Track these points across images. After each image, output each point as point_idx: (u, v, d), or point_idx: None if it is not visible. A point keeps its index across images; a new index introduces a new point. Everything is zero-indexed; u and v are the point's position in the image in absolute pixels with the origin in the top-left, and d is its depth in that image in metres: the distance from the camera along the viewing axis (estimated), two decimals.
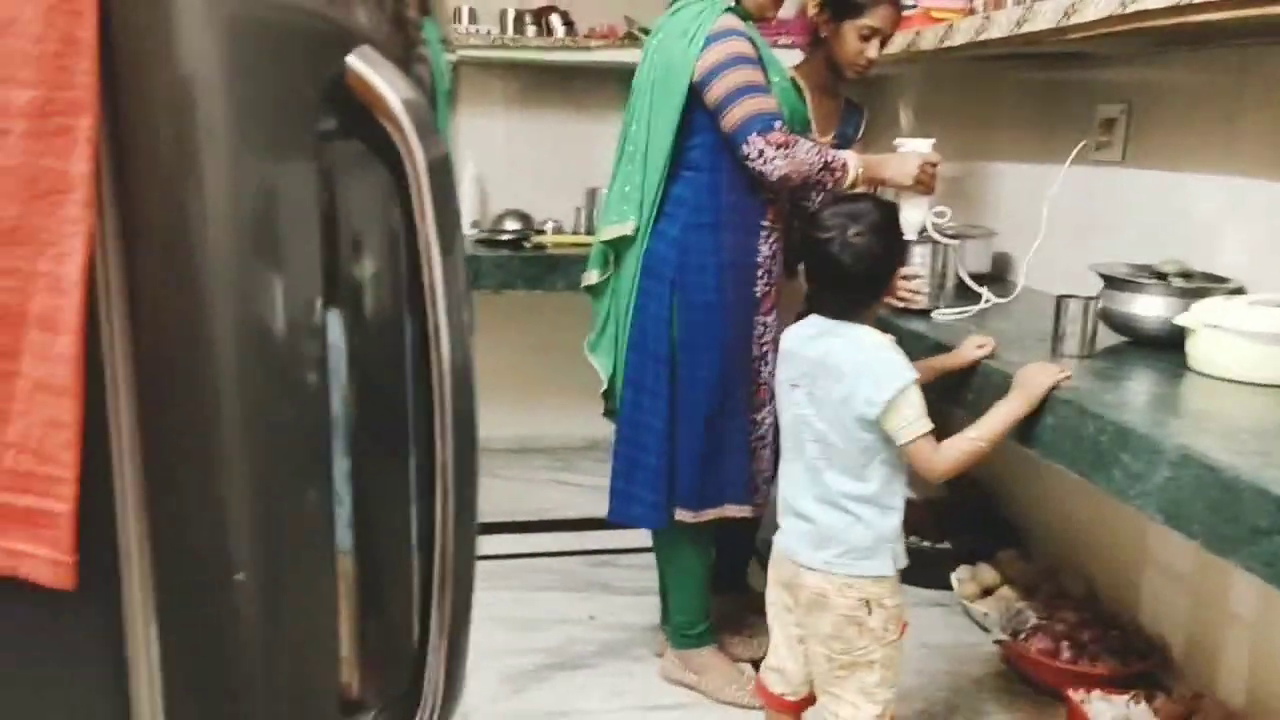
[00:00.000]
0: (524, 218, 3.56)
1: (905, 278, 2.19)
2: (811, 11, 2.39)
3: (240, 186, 0.69)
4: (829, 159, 2.13)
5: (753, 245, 2.20)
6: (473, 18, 3.47)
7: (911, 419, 1.64)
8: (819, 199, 2.28)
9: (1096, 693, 2.13)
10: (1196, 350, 1.71)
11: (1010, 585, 2.62)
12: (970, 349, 1.84)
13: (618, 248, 2.27)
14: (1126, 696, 2.11)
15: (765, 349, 2.25)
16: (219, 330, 0.69)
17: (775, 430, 2.29)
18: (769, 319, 2.25)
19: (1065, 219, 2.36)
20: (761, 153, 2.06)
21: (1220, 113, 2.10)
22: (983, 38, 2.34)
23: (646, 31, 2.79)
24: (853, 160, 2.16)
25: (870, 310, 1.78)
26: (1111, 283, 1.94)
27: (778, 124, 2.08)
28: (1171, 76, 2.26)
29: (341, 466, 0.83)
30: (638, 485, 2.26)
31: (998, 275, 2.71)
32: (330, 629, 0.84)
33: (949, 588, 2.69)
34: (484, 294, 3.29)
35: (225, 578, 0.72)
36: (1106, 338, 1.92)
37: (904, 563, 1.74)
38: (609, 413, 2.40)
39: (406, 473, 0.96)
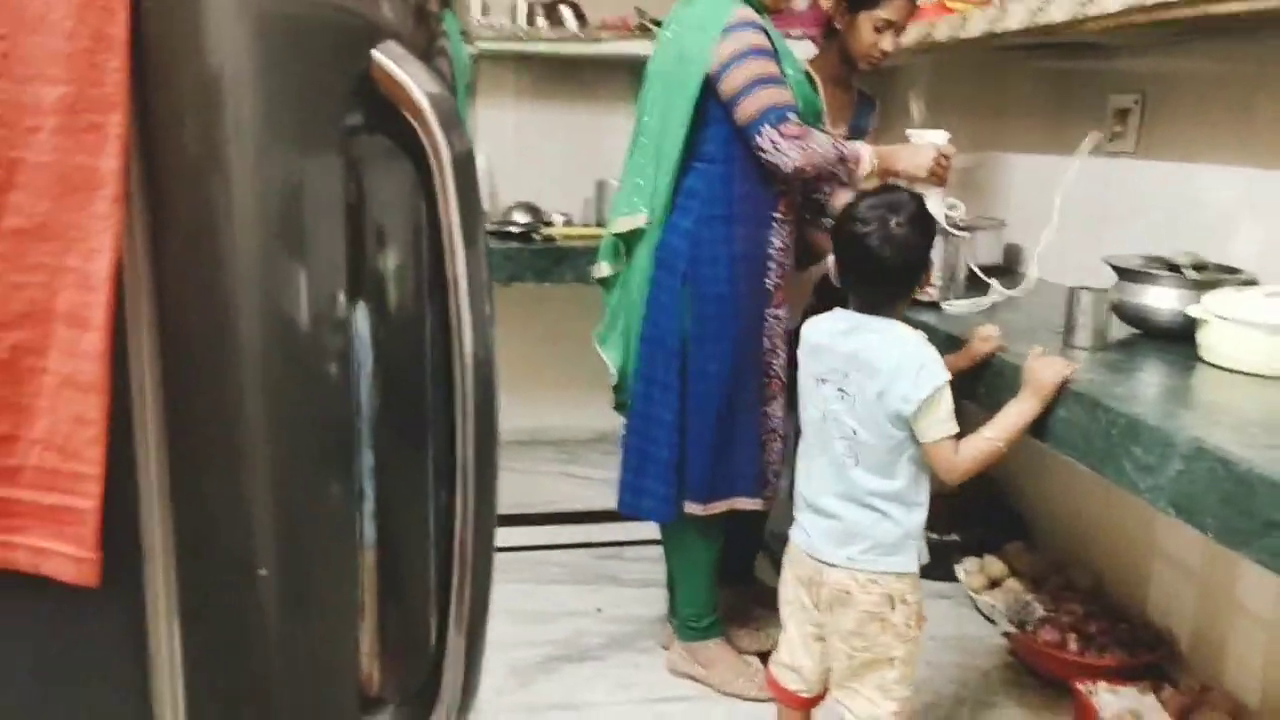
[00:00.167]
0: (533, 210, 3.55)
1: None
2: (826, 3, 2.38)
3: (267, 181, 0.69)
4: (843, 151, 2.12)
5: (765, 237, 2.20)
6: (484, 9, 3.46)
7: (942, 419, 1.63)
8: (832, 191, 2.28)
9: (1103, 684, 2.13)
10: (1208, 342, 1.71)
11: (1017, 577, 2.62)
12: (978, 344, 1.83)
13: (629, 240, 2.26)
14: (1134, 688, 2.11)
15: (776, 341, 2.24)
16: (244, 325, 0.69)
17: (785, 423, 2.29)
18: (780, 311, 2.24)
19: (1077, 210, 2.35)
20: (776, 144, 2.05)
21: (1236, 103, 2.09)
22: (999, 29, 2.33)
23: (658, 23, 2.78)
24: (867, 152, 2.15)
25: (904, 303, 1.77)
26: (1123, 274, 1.93)
27: (792, 116, 2.07)
28: (1187, 66, 2.25)
29: (366, 460, 0.83)
30: (648, 478, 2.26)
31: (1009, 267, 2.71)
32: (352, 624, 0.84)
33: (955, 579, 2.69)
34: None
35: (248, 574, 0.72)
36: (1119, 330, 1.91)
37: (926, 559, 1.74)
38: (619, 406, 2.40)
39: (425, 465, 0.96)
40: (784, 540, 1.88)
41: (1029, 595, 2.52)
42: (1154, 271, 1.90)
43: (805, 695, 1.87)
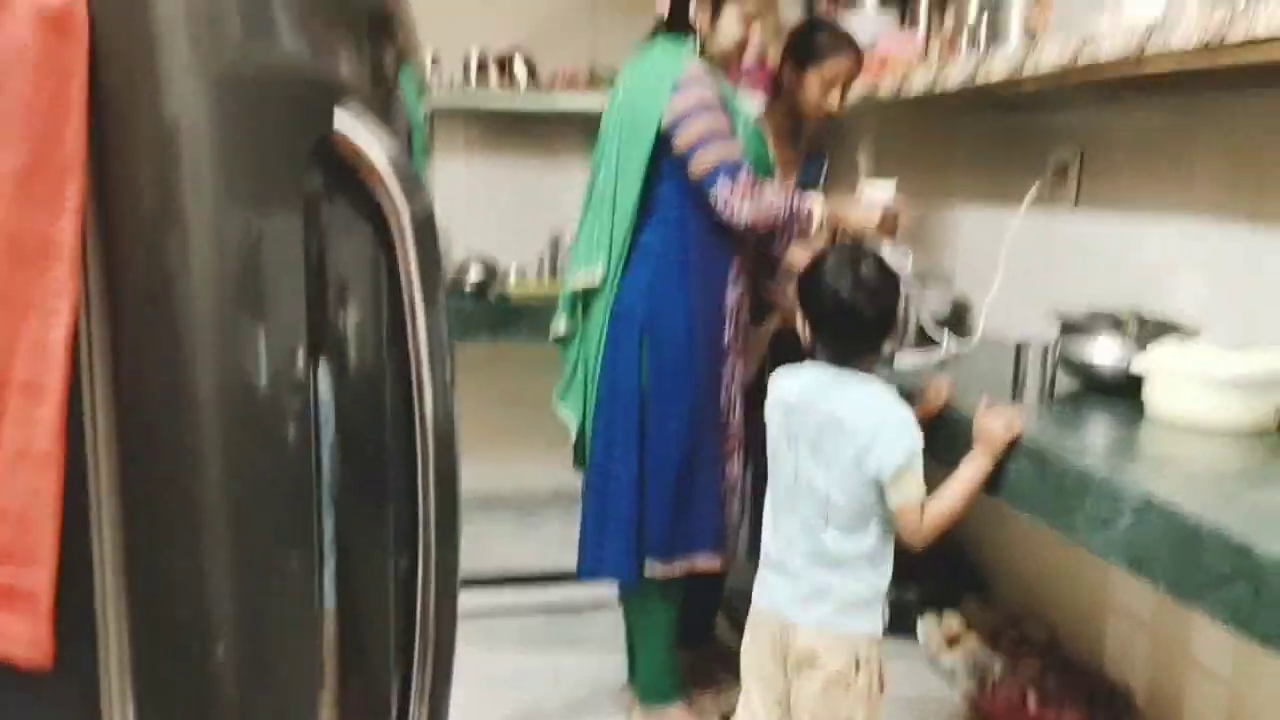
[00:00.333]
0: (488, 267, 3.51)
1: None
2: (774, 61, 2.42)
3: (226, 241, 0.68)
4: (794, 204, 2.14)
5: (721, 292, 2.21)
6: (434, 59, 3.41)
7: (917, 483, 1.64)
8: (782, 246, 2.30)
9: None
10: (1154, 396, 1.73)
11: (975, 631, 2.62)
12: (930, 397, 1.83)
13: (586, 296, 2.26)
14: None
15: (734, 397, 2.25)
16: (203, 387, 0.68)
17: (741, 481, 2.29)
18: (737, 367, 2.25)
19: (1022, 262, 2.39)
20: (727, 201, 2.07)
21: (1173, 157, 2.15)
22: (938, 89, 2.39)
23: (611, 79, 2.81)
24: (818, 205, 2.17)
25: (877, 356, 1.77)
26: (1068, 329, 1.96)
27: (744, 170, 2.10)
28: (1124, 122, 2.31)
29: (328, 522, 0.82)
30: (607, 536, 2.23)
31: (957, 319, 2.74)
32: (312, 694, 0.82)
33: (914, 635, 2.69)
34: None
35: (205, 649, 0.70)
36: (1067, 383, 1.94)
37: (886, 620, 1.74)
38: (578, 462, 2.38)
39: (386, 526, 0.95)
40: (745, 599, 1.86)
41: (987, 651, 2.51)
42: (1096, 326, 1.92)
43: None
